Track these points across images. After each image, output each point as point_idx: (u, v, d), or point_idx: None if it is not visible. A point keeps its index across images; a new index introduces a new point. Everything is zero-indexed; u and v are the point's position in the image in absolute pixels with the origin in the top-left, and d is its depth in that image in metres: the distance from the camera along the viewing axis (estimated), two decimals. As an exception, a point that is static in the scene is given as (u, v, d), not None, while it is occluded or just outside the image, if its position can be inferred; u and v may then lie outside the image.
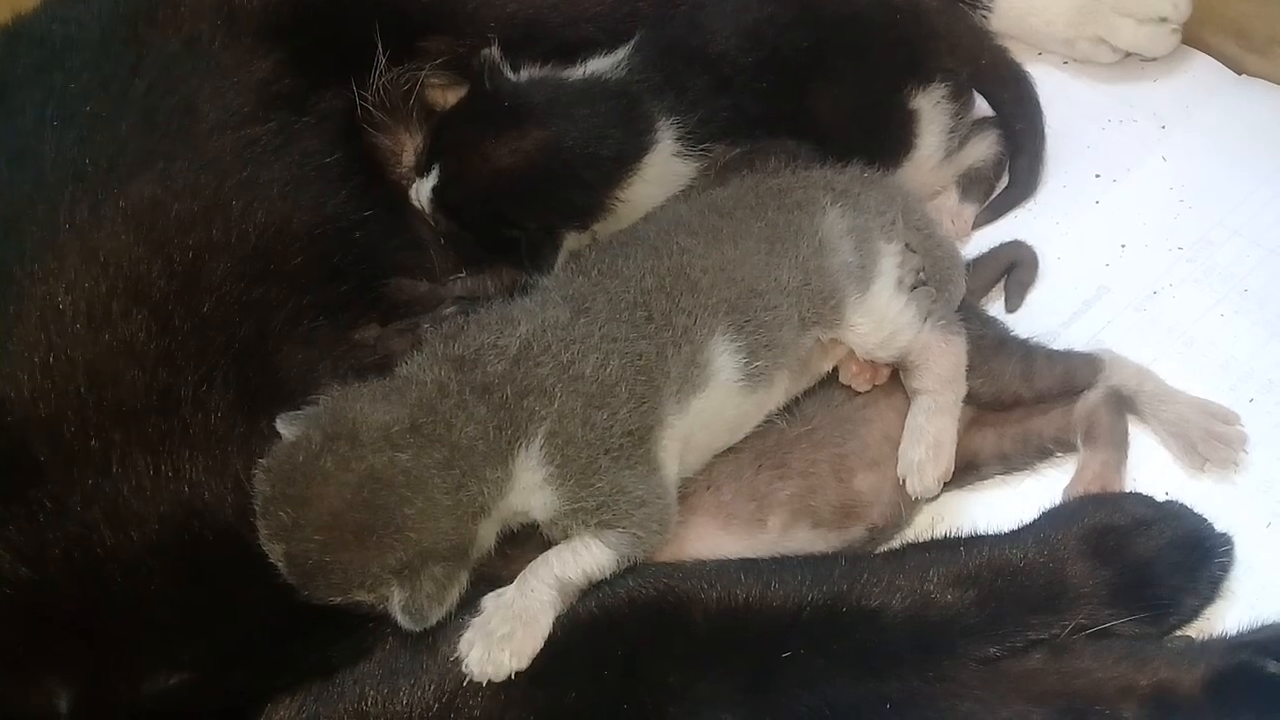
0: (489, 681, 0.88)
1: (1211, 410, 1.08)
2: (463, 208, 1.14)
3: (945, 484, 1.06)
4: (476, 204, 1.13)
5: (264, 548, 0.89)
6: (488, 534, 0.92)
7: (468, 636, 0.89)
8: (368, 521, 0.87)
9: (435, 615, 0.88)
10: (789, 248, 1.03)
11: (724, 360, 0.99)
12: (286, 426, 0.92)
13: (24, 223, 1.02)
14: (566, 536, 0.93)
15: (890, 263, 1.06)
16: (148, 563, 0.92)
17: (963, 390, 1.06)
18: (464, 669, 0.88)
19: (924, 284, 1.08)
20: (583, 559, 0.92)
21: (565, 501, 0.92)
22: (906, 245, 1.08)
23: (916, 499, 1.04)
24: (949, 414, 1.05)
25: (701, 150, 1.16)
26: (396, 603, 0.87)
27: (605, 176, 1.13)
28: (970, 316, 1.11)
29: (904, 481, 1.03)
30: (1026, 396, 1.09)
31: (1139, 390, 1.09)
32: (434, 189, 1.14)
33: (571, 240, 1.14)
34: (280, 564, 0.88)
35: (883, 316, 1.04)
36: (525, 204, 1.12)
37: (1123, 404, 1.09)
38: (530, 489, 0.92)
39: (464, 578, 0.90)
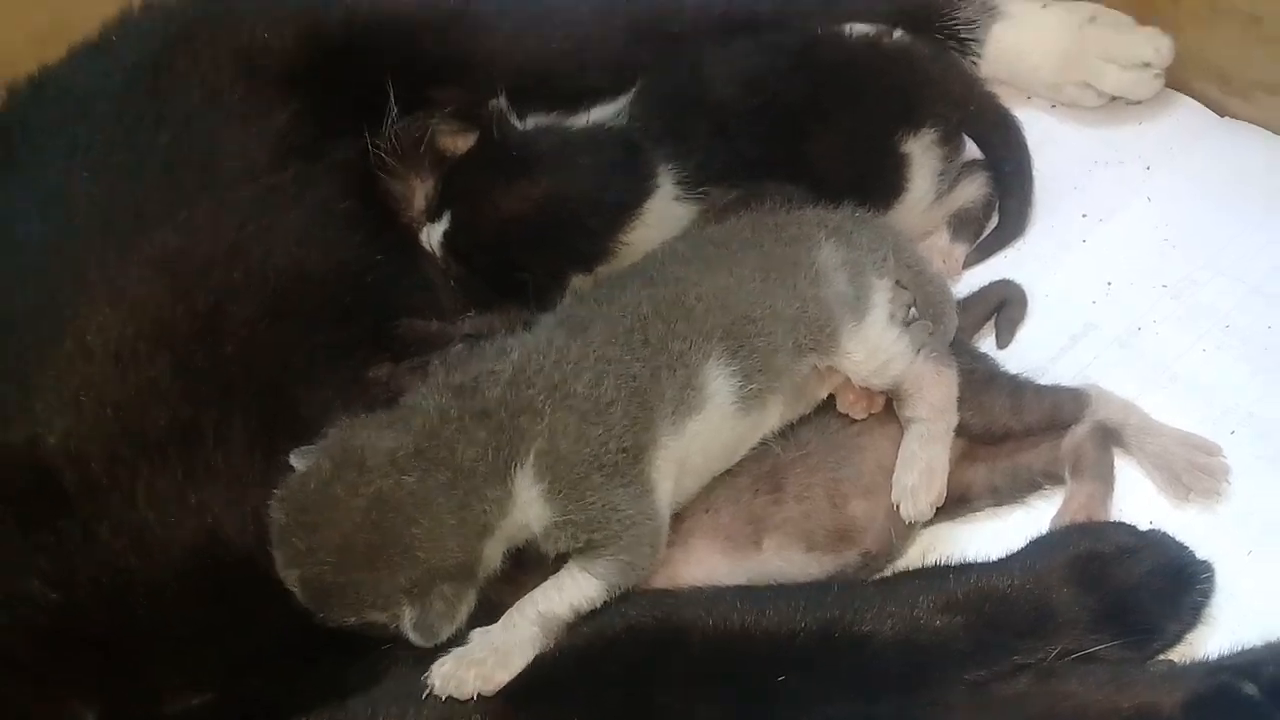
0: (496, 705, 0.91)
1: (1194, 443, 1.11)
2: (473, 252, 1.18)
3: (937, 513, 1.08)
4: (486, 249, 1.17)
5: (280, 575, 0.92)
6: (494, 553, 0.96)
7: (444, 658, 0.92)
8: (377, 542, 0.91)
9: (445, 632, 0.91)
10: (785, 277, 1.06)
11: (719, 384, 1.01)
12: (300, 460, 0.96)
13: (54, 268, 1.07)
14: (561, 553, 0.96)
15: (882, 297, 1.09)
16: (170, 588, 0.96)
17: (954, 420, 1.09)
18: (427, 679, 0.91)
19: (916, 319, 1.11)
20: (568, 593, 0.95)
21: (557, 514, 0.95)
22: (898, 282, 1.11)
23: (910, 523, 1.07)
24: (941, 442, 1.08)
25: (699, 194, 1.20)
26: (408, 621, 0.90)
27: (609, 223, 1.17)
28: (961, 352, 1.14)
29: (898, 506, 1.06)
30: (1016, 429, 1.12)
31: (1124, 424, 1.12)
32: (445, 234, 1.18)
33: (576, 282, 1.17)
34: (296, 589, 0.92)
35: (876, 346, 1.07)
36: (533, 250, 1.16)
37: (1109, 437, 1.11)
38: (528, 504, 0.95)
39: (472, 596, 0.94)
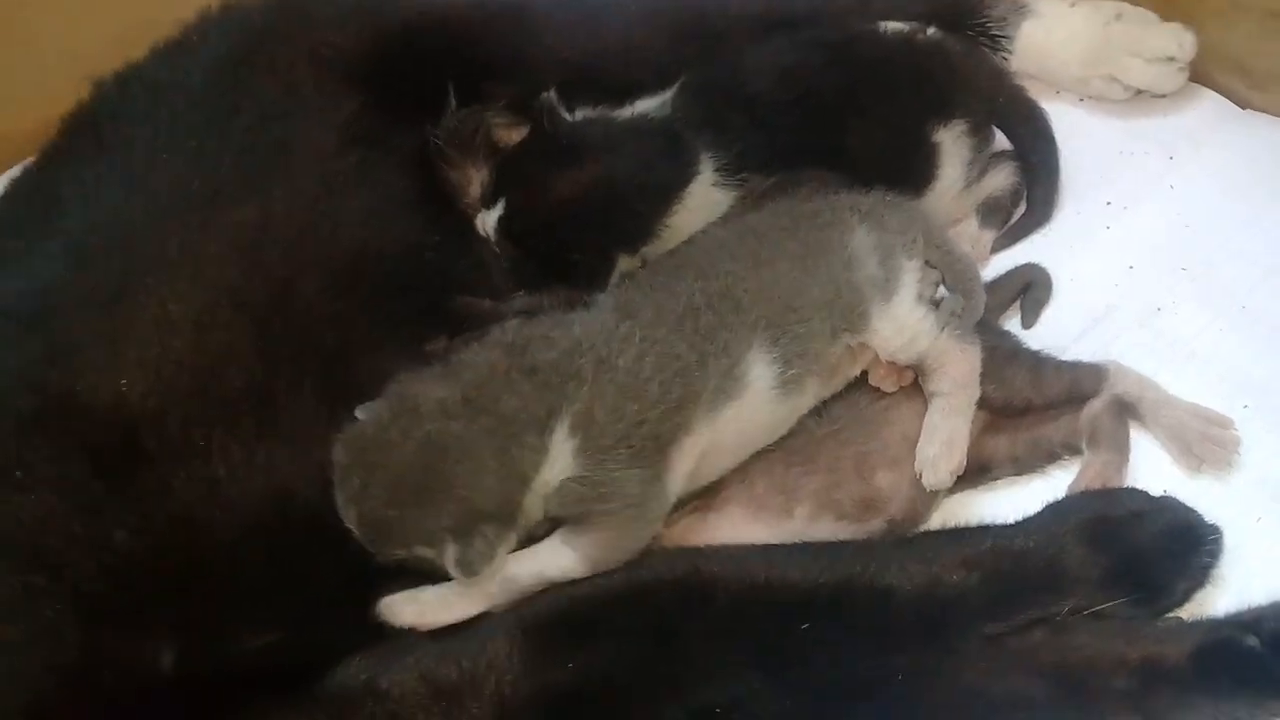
0: (530, 645, 0.96)
1: (1208, 415, 1.15)
2: (526, 236, 1.23)
3: (959, 481, 1.13)
4: (539, 232, 1.22)
5: (340, 512, 0.98)
6: (533, 504, 1.00)
7: (411, 589, 0.99)
8: (424, 481, 0.96)
9: (484, 569, 0.96)
10: (821, 264, 1.10)
11: (759, 370, 1.06)
12: (363, 413, 1.01)
13: (137, 242, 1.12)
14: (559, 516, 1.01)
15: (911, 277, 1.13)
16: (240, 538, 1.00)
17: (976, 394, 1.13)
18: (377, 606, 0.99)
19: (945, 296, 1.15)
20: (542, 561, 1.00)
21: (577, 470, 0.99)
22: (926, 262, 1.15)
23: (932, 491, 1.11)
24: (962, 414, 1.12)
25: (739, 180, 1.25)
26: (450, 556, 0.95)
27: (653, 205, 1.22)
28: (986, 330, 1.19)
29: (920, 475, 1.10)
30: (1036, 402, 1.16)
31: (1141, 397, 1.16)
32: (500, 219, 1.22)
33: (623, 263, 1.22)
34: (353, 526, 0.98)
35: (903, 324, 1.11)
36: (583, 232, 1.21)
37: (1125, 410, 1.15)
38: (559, 458, 0.99)
39: (512, 540, 0.98)
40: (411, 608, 0.99)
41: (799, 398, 1.10)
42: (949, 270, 1.17)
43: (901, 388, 1.15)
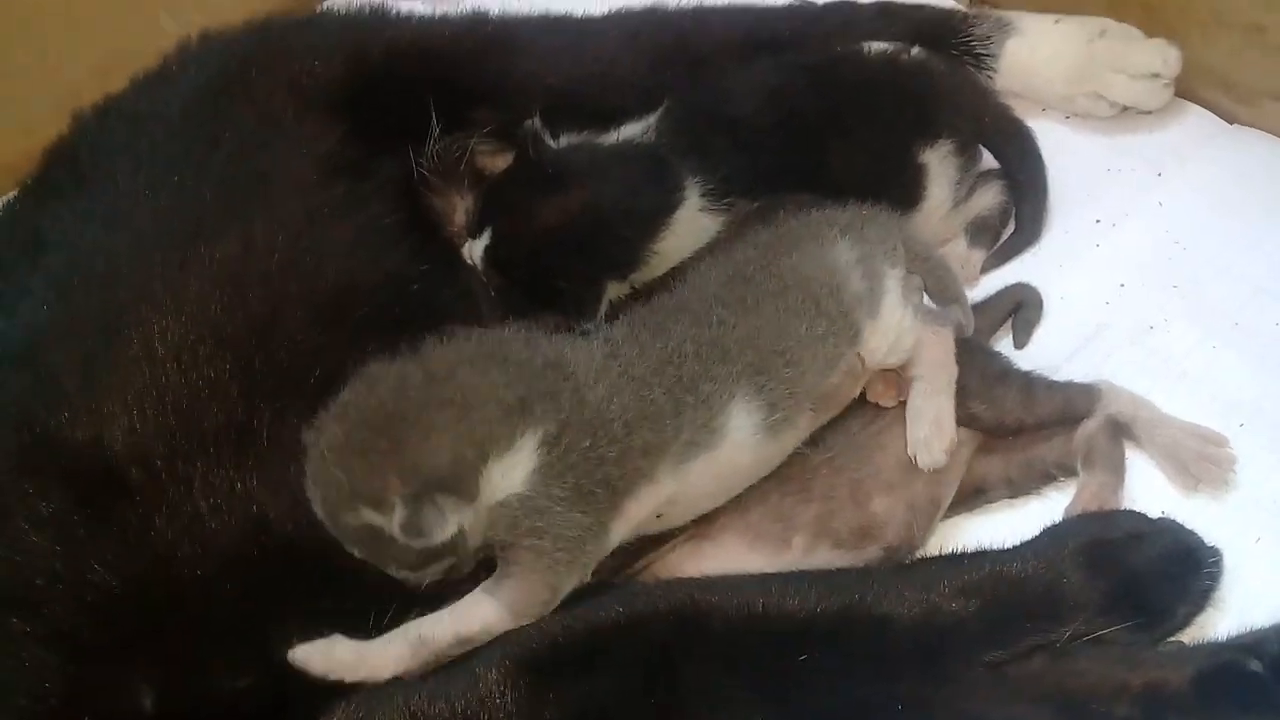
0: (523, 680, 0.94)
1: (1203, 434, 1.14)
2: (513, 264, 1.22)
3: (954, 506, 1.14)
4: (526, 261, 1.21)
5: (308, 494, 0.96)
6: (490, 492, 0.96)
7: (327, 639, 0.96)
8: (374, 441, 0.93)
9: (435, 536, 0.92)
10: (808, 298, 1.08)
11: (740, 420, 1.03)
12: None
13: (119, 278, 1.11)
14: (489, 546, 0.98)
15: (894, 284, 1.13)
16: (221, 575, 0.99)
17: (954, 372, 1.12)
18: (291, 653, 0.95)
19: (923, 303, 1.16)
20: (460, 619, 0.96)
21: (526, 489, 0.96)
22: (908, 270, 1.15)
23: (928, 469, 1.10)
24: (944, 394, 1.11)
25: (725, 205, 1.24)
26: (397, 519, 0.92)
27: (640, 232, 1.22)
28: (975, 350, 1.18)
29: (914, 458, 1.09)
30: (1028, 422, 1.16)
31: (1135, 417, 1.15)
32: (486, 248, 1.22)
33: (612, 290, 1.22)
34: (314, 504, 0.96)
35: (889, 330, 1.11)
36: (570, 260, 1.20)
37: (1119, 430, 1.15)
38: (516, 465, 0.96)
39: (469, 518, 0.95)
40: (319, 659, 0.95)
41: (790, 434, 1.08)
42: (930, 275, 1.17)
43: (900, 402, 1.14)
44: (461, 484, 0.95)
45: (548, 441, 0.97)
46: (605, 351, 1.04)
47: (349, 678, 0.95)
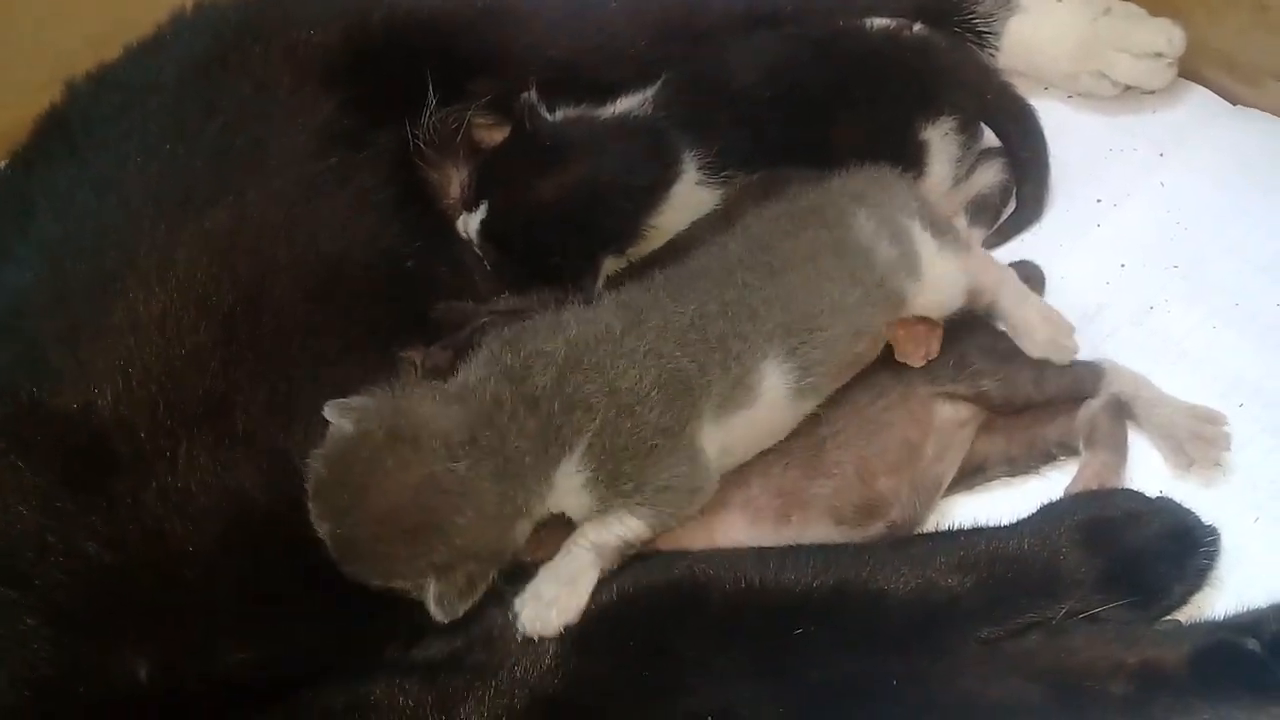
0: (524, 653, 0.95)
1: (1199, 414, 1.14)
2: (509, 238, 1.22)
3: (954, 484, 1.14)
4: (522, 235, 1.21)
5: (313, 521, 0.95)
6: (523, 533, 0.98)
7: (520, 599, 0.96)
8: (420, 522, 0.93)
9: (462, 609, 0.94)
10: (839, 266, 1.07)
11: (774, 380, 1.03)
12: (337, 413, 0.97)
13: (107, 245, 1.10)
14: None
15: (925, 238, 1.12)
16: (211, 549, 0.99)
17: (1011, 271, 1.18)
18: (517, 626, 0.95)
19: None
20: (615, 528, 0.98)
21: (598, 503, 0.98)
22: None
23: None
24: (1026, 293, 1.17)
25: (723, 178, 1.24)
26: (431, 594, 0.93)
27: (638, 205, 1.21)
28: (984, 329, 1.18)
29: (1050, 360, 1.14)
30: (1037, 399, 1.15)
31: (1135, 396, 1.14)
32: (482, 222, 1.21)
33: (608, 264, 1.21)
34: (325, 539, 0.95)
35: (940, 283, 1.11)
36: (566, 233, 1.20)
37: (1122, 410, 1.15)
38: (568, 492, 0.98)
39: (492, 576, 0.96)
40: (553, 612, 0.96)
41: (815, 396, 1.08)
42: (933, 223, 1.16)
43: (928, 360, 1.14)
44: (496, 551, 0.96)
45: (590, 455, 0.98)
46: (623, 322, 1.02)
47: (577, 608, 0.97)
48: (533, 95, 1.23)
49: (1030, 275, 1.28)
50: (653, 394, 0.99)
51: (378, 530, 0.94)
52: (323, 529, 0.95)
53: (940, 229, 1.13)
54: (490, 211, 1.21)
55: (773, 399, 1.04)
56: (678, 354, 1.01)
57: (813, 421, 1.10)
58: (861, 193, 1.13)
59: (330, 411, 0.98)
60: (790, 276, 1.07)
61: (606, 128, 1.26)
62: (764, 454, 1.09)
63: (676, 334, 1.02)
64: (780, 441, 1.09)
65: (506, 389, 0.97)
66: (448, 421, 0.96)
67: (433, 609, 0.94)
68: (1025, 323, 1.14)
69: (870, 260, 1.09)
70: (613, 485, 0.98)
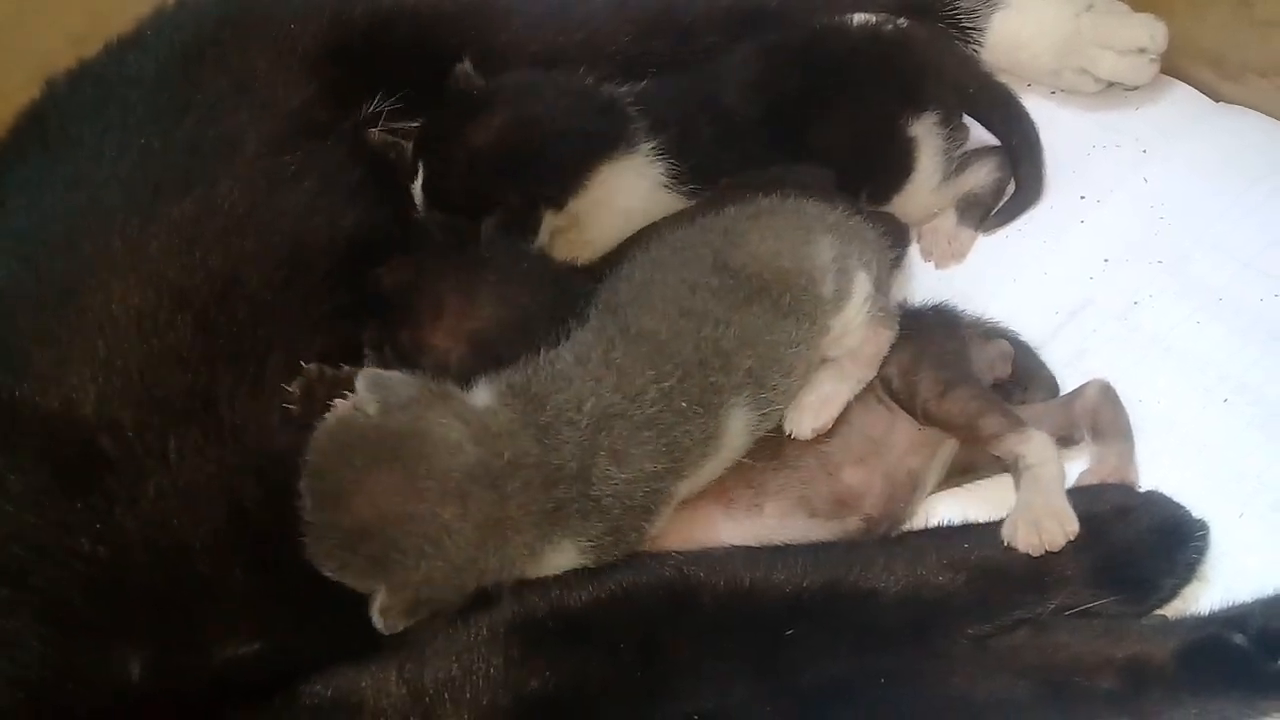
0: (512, 652, 0.95)
1: (1057, 513, 1.03)
2: (449, 195, 1.20)
3: (945, 480, 1.15)
4: (457, 186, 1.19)
5: (301, 493, 0.95)
6: (491, 579, 0.97)
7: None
8: (386, 545, 0.92)
9: (403, 626, 0.94)
10: (791, 299, 1.07)
11: (737, 425, 1.05)
12: (368, 385, 0.96)
13: (81, 241, 1.09)
14: None
15: (861, 287, 1.11)
16: (207, 544, 0.99)
17: (871, 374, 1.11)
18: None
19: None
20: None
21: (579, 556, 1.00)
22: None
23: (790, 436, 1.09)
24: (849, 384, 1.10)
25: (690, 189, 1.24)
26: (376, 604, 0.93)
27: (574, 153, 1.21)
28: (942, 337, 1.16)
29: (784, 419, 1.09)
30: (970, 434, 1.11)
31: (1031, 468, 1.08)
32: (422, 186, 1.20)
33: (551, 219, 1.20)
34: (304, 514, 0.95)
35: (849, 327, 1.10)
36: (501, 177, 1.18)
37: (1117, 397, 1.14)
38: (553, 556, 0.99)
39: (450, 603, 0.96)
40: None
41: (771, 424, 1.09)
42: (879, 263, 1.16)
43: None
44: (451, 600, 0.96)
45: (581, 523, 0.99)
46: (620, 387, 1.02)
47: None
48: (467, 65, 1.23)
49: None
50: (656, 468, 1.00)
51: (351, 534, 0.93)
52: (305, 505, 0.95)
53: (877, 292, 1.13)
54: (426, 171, 1.20)
55: (734, 441, 1.06)
56: (671, 421, 1.01)
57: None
58: (834, 224, 1.13)
59: (363, 382, 0.96)
60: (751, 314, 1.06)
61: (545, 81, 1.25)
62: None
63: (664, 399, 1.02)
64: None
65: (532, 450, 0.97)
66: (458, 460, 0.94)
67: (374, 618, 0.93)
68: (817, 382, 1.10)
69: (813, 288, 1.08)
70: (599, 544, 1.00)
